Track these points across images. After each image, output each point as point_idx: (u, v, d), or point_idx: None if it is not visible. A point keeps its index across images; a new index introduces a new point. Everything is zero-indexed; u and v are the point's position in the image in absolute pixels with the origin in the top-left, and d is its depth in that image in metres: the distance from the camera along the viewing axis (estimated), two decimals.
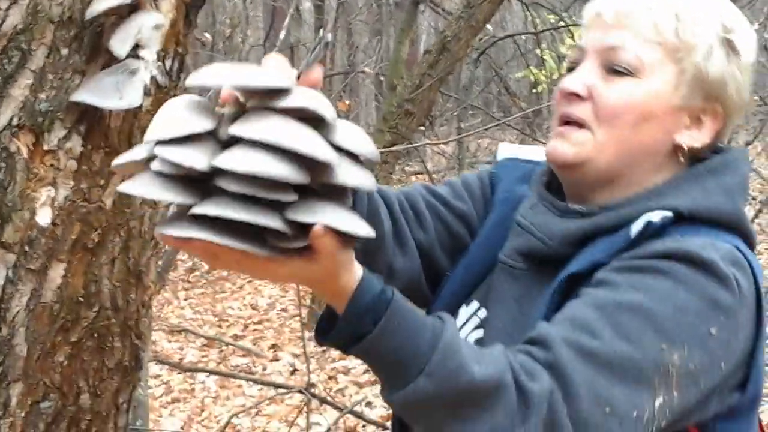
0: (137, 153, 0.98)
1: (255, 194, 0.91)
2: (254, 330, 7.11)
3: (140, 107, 1.34)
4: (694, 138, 1.24)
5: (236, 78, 0.94)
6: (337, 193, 0.98)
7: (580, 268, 1.18)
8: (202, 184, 0.94)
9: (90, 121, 1.33)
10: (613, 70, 1.23)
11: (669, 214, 1.16)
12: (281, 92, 0.94)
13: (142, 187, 0.95)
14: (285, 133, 0.91)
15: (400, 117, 7.02)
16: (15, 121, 1.29)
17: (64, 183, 1.32)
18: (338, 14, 16.79)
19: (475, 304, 1.33)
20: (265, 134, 0.90)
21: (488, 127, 8.16)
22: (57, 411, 1.35)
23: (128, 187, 0.95)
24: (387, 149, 6.76)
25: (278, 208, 0.93)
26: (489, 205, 1.43)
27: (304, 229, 0.95)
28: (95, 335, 1.38)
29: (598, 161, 1.23)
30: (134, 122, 1.39)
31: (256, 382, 5.15)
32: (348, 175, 0.96)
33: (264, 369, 5.98)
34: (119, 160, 1.00)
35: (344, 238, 0.98)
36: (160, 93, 1.40)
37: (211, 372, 5.35)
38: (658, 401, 1.08)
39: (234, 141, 0.93)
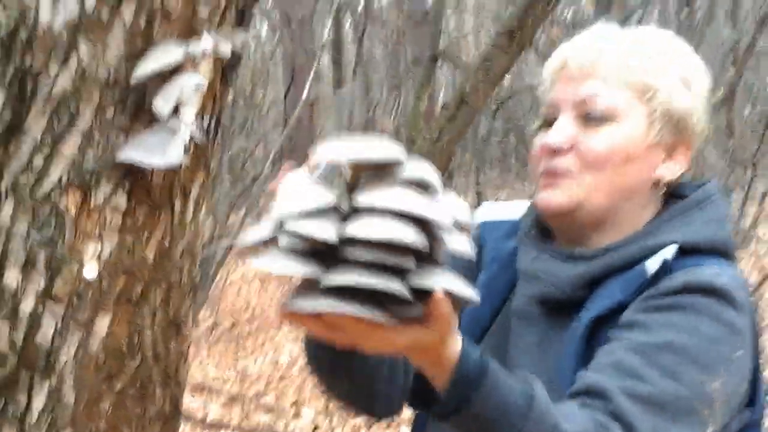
0: (264, 231, 1.02)
1: (384, 261, 0.94)
2: (276, 387, 7.13)
3: (180, 165, 1.40)
4: (672, 170, 1.34)
5: (354, 152, 0.99)
6: (443, 259, 1.03)
7: (602, 310, 1.24)
8: (323, 256, 0.98)
9: (134, 178, 1.39)
10: (591, 118, 1.30)
11: (675, 249, 1.24)
12: (395, 164, 0.99)
13: (276, 263, 0.99)
14: (410, 202, 0.96)
15: None
16: (64, 179, 1.35)
17: (109, 238, 1.38)
18: (356, 69, 17.02)
19: None
20: (393, 203, 0.95)
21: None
22: None
23: (263, 263, 0.99)
24: None
25: (400, 275, 0.97)
26: (476, 269, 1.47)
27: (421, 295, 0.99)
28: (138, 384, 1.43)
29: (590, 205, 1.30)
30: (174, 179, 1.45)
31: None
32: (455, 241, 1.01)
33: (286, 426, 6.00)
34: (248, 240, 1.04)
35: (455, 303, 1.03)
36: (197, 150, 1.47)
37: (234, 429, 5.38)
38: (709, 431, 1.15)
39: (353, 212, 0.97)
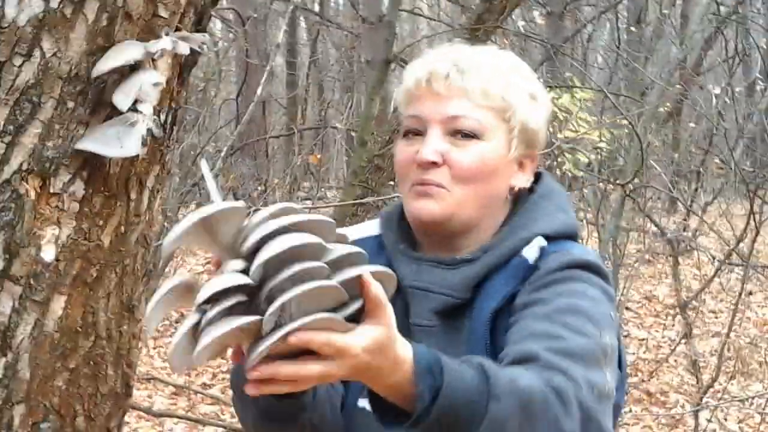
0: (190, 321, 1.04)
1: (301, 270, 1.02)
2: (223, 379, 7.16)
3: (137, 156, 1.49)
4: (522, 180, 1.46)
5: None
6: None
7: (499, 302, 1.37)
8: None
9: (92, 167, 1.47)
10: (459, 135, 1.40)
11: (544, 240, 1.40)
12: None
13: (212, 332, 1.00)
14: (292, 218, 1.04)
15: (370, 172, 7.19)
16: (24, 166, 1.43)
17: (67, 223, 1.46)
18: (310, 71, 17.07)
19: None
20: (282, 224, 1.03)
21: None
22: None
23: (204, 342, 1.00)
24: (357, 202, 6.91)
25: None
26: None
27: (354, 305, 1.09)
28: (91, 363, 1.51)
29: (460, 215, 1.40)
30: (131, 169, 1.53)
31: (225, 428, 5.22)
32: (341, 247, 1.09)
33: (232, 417, 6.04)
34: (176, 340, 1.04)
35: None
36: (155, 143, 1.55)
37: (181, 417, 5.41)
38: (609, 377, 1.29)
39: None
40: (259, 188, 13.43)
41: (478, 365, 1.16)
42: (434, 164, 1.39)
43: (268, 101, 15.25)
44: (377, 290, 1.09)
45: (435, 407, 1.12)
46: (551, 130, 11.03)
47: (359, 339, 1.08)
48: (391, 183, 9.53)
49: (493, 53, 1.49)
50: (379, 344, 1.09)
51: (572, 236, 1.46)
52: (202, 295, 1.00)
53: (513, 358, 1.25)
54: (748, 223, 7.15)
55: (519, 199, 1.49)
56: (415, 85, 1.44)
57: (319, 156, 12.38)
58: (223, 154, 5.80)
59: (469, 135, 1.40)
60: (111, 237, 1.51)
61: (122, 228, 1.53)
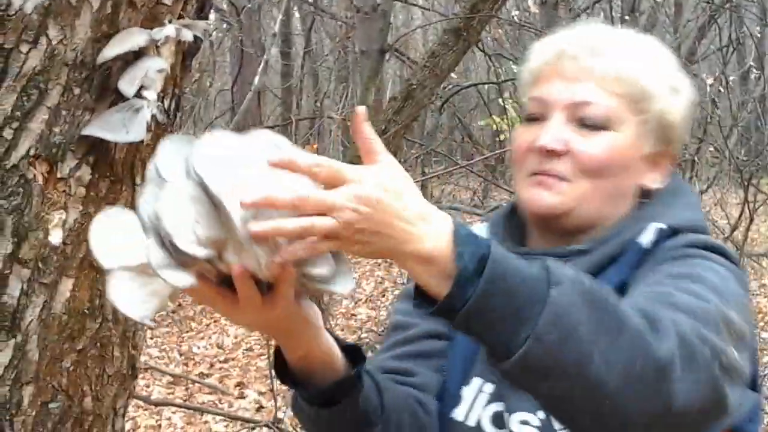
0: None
1: None
2: (220, 368, 7.21)
3: (142, 141, 1.51)
4: (655, 180, 1.30)
5: None
6: None
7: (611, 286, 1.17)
8: None
9: (98, 152, 1.50)
10: (586, 124, 1.24)
11: (665, 226, 1.24)
12: None
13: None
14: None
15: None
16: (32, 152, 1.46)
17: (74, 207, 1.49)
18: (304, 61, 17.07)
19: (477, 381, 1.29)
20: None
21: (451, 169, 8.35)
22: (63, 411, 1.50)
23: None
24: None
25: None
26: None
27: None
28: (98, 344, 1.54)
29: (581, 210, 1.25)
30: (136, 154, 1.56)
31: (224, 416, 5.26)
32: None
33: (230, 406, 6.09)
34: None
35: None
36: (158, 129, 1.58)
37: (179, 406, 5.45)
38: (732, 351, 1.07)
39: None
40: None
41: (538, 259, 1.01)
42: (555, 153, 1.24)
43: (263, 91, 15.26)
44: (370, 133, 0.97)
45: (481, 280, 0.95)
46: None
47: (352, 166, 0.95)
48: None
49: (632, 36, 1.33)
50: (386, 179, 0.95)
51: (699, 232, 1.28)
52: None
53: None
54: (742, 211, 7.19)
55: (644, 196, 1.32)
56: (542, 64, 1.30)
57: (315, 146, 12.38)
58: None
59: (597, 125, 1.25)
60: None
61: None
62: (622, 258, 1.24)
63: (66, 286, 1.49)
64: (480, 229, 1.38)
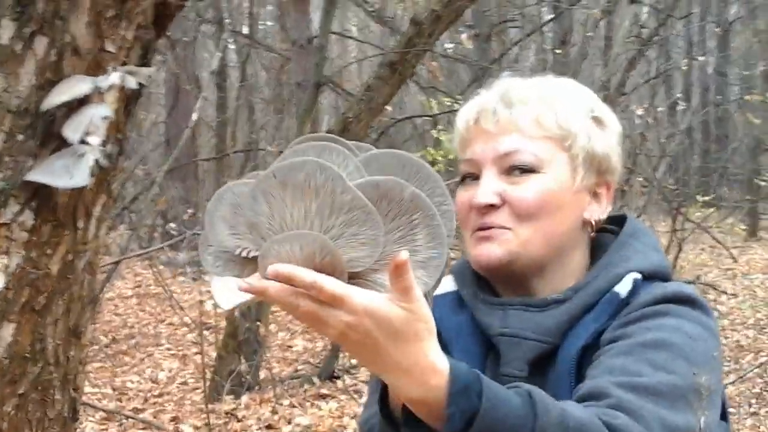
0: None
1: None
2: (155, 403, 7.13)
3: (85, 186, 1.53)
4: (597, 211, 1.36)
5: None
6: None
7: (587, 339, 1.25)
8: None
9: (41, 197, 1.52)
10: (515, 171, 1.29)
11: (639, 275, 1.29)
12: None
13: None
14: None
15: None
16: None
17: (16, 252, 1.50)
18: (240, 93, 17.05)
19: None
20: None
21: None
22: None
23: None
24: None
25: None
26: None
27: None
28: (39, 388, 1.55)
29: (527, 255, 1.30)
30: (79, 199, 1.57)
31: None
32: None
33: None
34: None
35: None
36: (101, 174, 1.60)
37: None
38: (702, 420, 1.15)
39: None
40: (189, 211, 13.37)
41: (527, 393, 1.05)
42: (492, 207, 1.29)
43: (197, 123, 15.19)
44: (410, 279, 0.97)
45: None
46: None
47: (364, 295, 0.97)
48: None
49: (545, 81, 1.38)
50: (390, 321, 0.96)
51: (666, 278, 1.34)
52: None
53: (581, 394, 1.15)
54: (671, 239, 7.36)
55: (603, 239, 1.38)
56: (465, 128, 1.36)
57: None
58: (160, 178, 5.79)
59: (526, 169, 1.29)
60: (59, 265, 1.55)
61: (70, 256, 1.57)
62: (600, 306, 1.28)
63: (7, 330, 1.50)
64: (446, 281, 1.42)
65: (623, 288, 1.28)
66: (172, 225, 12.31)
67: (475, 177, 1.34)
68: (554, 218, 1.31)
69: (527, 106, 1.32)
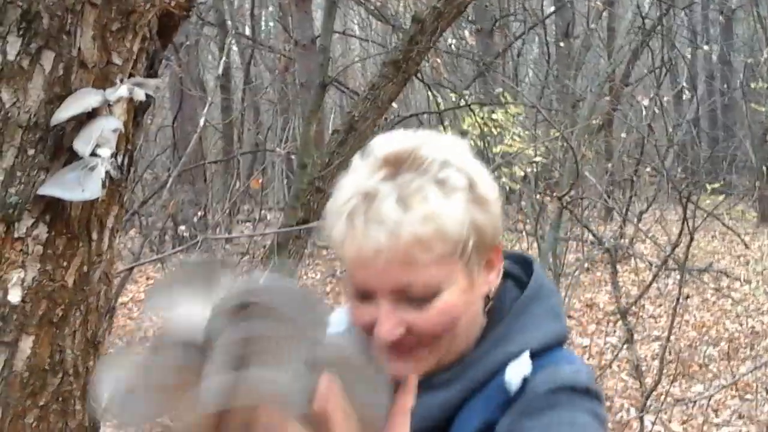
0: None
1: None
2: None
3: (97, 198, 1.55)
4: (493, 281, 1.30)
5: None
6: None
7: (478, 428, 1.23)
8: None
9: (54, 211, 1.53)
10: (414, 300, 1.21)
11: (530, 363, 1.25)
12: None
13: None
14: None
15: (311, 194, 7.27)
16: None
17: (32, 265, 1.52)
18: (245, 95, 17.09)
19: None
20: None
21: None
22: None
23: None
24: (300, 227, 6.97)
25: None
26: None
27: None
28: (59, 399, 1.57)
29: (447, 357, 1.26)
30: (92, 211, 1.59)
31: None
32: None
33: None
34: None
35: None
36: (113, 185, 1.62)
37: None
38: None
39: None
40: (199, 213, 13.40)
41: None
42: (398, 340, 1.22)
43: (204, 126, 15.21)
44: (332, 406, 1.03)
45: None
46: (486, 145, 11.22)
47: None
48: None
49: (425, 190, 1.21)
50: None
51: (562, 343, 1.32)
52: None
53: None
54: (682, 228, 7.35)
55: (503, 291, 1.33)
56: (353, 260, 1.23)
57: (260, 180, 12.39)
58: (170, 182, 5.81)
59: (425, 297, 1.21)
60: (74, 277, 1.57)
61: (85, 267, 1.59)
62: (490, 391, 1.25)
63: (26, 343, 1.51)
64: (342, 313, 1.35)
65: (516, 375, 1.25)
66: (183, 228, 12.34)
67: (368, 293, 1.24)
68: (462, 321, 1.25)
69: (408, 230, 1.19)
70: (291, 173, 14.86)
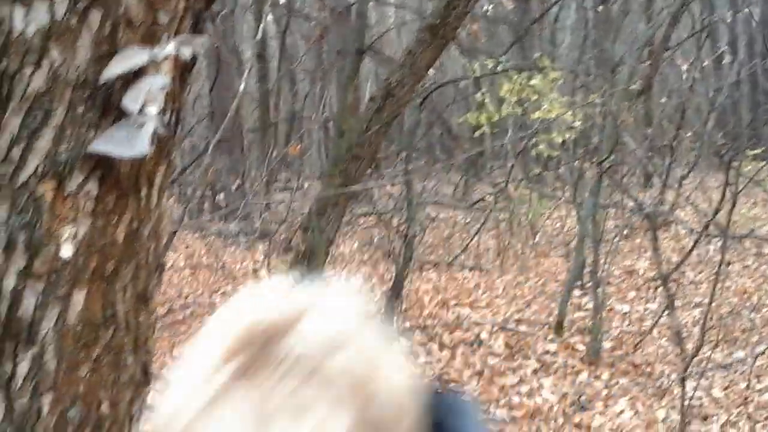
0: None
1: None
2: None
3: (146, 156, 1.57)
4: None
5: None
6: None
7: None
8: None
9: (104, 168, 1.56)
10: None
11: None
12: None
13: None
14: None
15: (349, 161, 7.29)
16: (40, 170, 1.51)
17: (83, 221, 1.54)
18: (280, 63, 17.10)
19: None
20: None
21: (451, 163, 8.46)
22: (82, 418, 1.56)
23: None
24: (339, 192, 7.01)
25: None
26: None
27: None
28: (112, 352, 1.60)
29: None
30: (140, 168, 1.61)
31: None
32: None
33: None
34: None
35: None
36: (161, 143, 1.64)
37: None
38: None
39: None
40: (237, 182, 13.49)
41: None
42: None
43: (242, 95, 15.27)
44: None
45: None
46: (524, 111, 11.16)
47: None
48: (368, 171, 9.63)
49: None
50: None
51: None
52: None
53: None
54: (723, 194, 7.28)
55: None
56: None
57: (298, 147, 12.42)
58: (210, 149, 5.85)
59: None
60: (125, 233, 1.60)
61: (135, 224, 1.61)
62: None
63: (79, 297, 1.54)
64: None
65: None
66: (221, 196, 12.42)
67: None
68: None
69: None
70: (327, 140, 14.89)
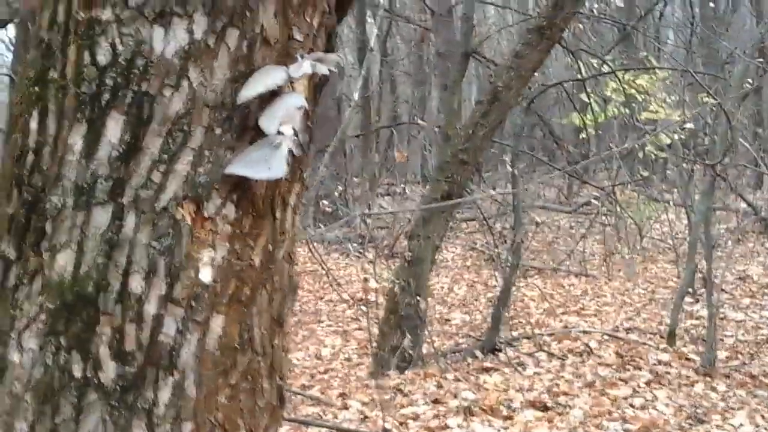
0: None
1: None
2: (320, 379, 7.27)
3: (282, 177, 1.54)
4: None
5: None
6: None
7: None
8: None
9: (241, 190, 1.53)
10: None
11: None
12: None
13: None
14: None
15: (455, 166, 7.22)
16: (179, 193, 1.49)
17: (221, 245, 1.52)
18: (382, 67, 17.12)
19: None
20: None
21: (557, 169, 8.32)
22: None
23: None
24: (445, 203, 6.95)
25: None
26: None
27: None
28: (249, 378, 1.57)
29: None
30: (275, 189, 1.58)
31: (331, 428, 5.30)
32: None
33: (335, 417, 6.13)
34: None
35: None
36: (295, 163, 1.60)
37: (286, 420, 5.50)
38: None
39: None
40: (340, 187, 13.55)
41: None
42: None
43: (341, 100, 15.34)
44: None
45: None
46: (631, 112, 10.92)
47: None
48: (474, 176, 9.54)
49: None
50: None
51: None
52: None
53: None
54: None
55: None
56: None
57: (406, 153, 12.41)
58: (329, 150, 5.83)
59: None
60: (261, 256, 1.57)
61: (270, 246, 1.58)
62: None
63: (218, 322, 1.52)
64: None
65: None
66: (325, 202, 12.48)
67: None
68: None
69: None
70: (430, 145, 14.84)
